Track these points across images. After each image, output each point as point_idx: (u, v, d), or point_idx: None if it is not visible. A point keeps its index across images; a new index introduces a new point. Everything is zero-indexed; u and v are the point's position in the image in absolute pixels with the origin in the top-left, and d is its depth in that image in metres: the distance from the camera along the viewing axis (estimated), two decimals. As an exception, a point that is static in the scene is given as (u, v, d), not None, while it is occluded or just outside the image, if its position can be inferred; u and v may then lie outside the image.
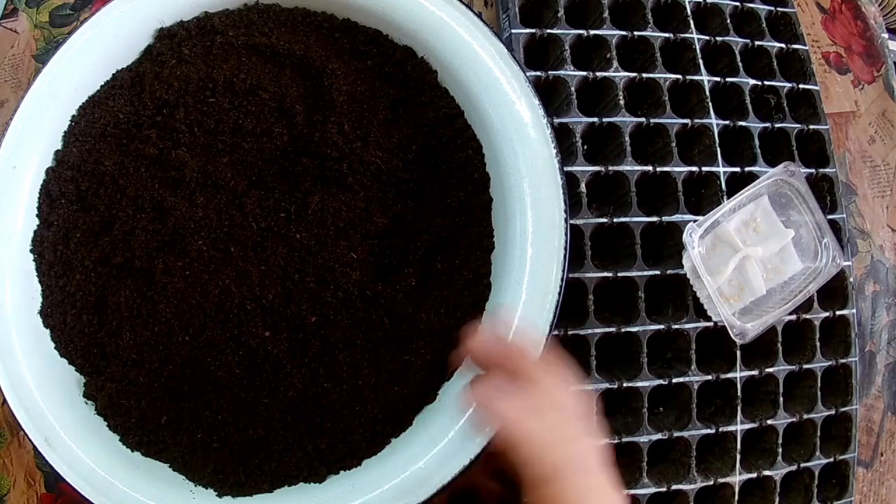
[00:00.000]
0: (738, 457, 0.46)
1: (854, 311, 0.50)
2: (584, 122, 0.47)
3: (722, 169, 0.49)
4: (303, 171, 0.41)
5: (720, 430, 0.46)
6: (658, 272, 0.46)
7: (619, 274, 0.45)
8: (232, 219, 0.40)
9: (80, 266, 0.40)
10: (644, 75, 0.49)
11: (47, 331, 0.39)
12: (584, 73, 0.48)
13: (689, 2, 0.52)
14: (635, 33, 0.50)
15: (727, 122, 0.50)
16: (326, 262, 0.40)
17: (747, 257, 0.45)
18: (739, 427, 0.46)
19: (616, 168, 0.47)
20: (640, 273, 0.46)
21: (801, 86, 0.52)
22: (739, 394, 0.47)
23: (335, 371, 0.39)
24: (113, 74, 0.42)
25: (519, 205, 0.40)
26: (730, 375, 0.47)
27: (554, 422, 0.32)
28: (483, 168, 0.42)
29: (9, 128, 0.39)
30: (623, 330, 0.45)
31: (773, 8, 0.54)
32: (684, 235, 0.44)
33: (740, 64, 0.51)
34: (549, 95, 0.50)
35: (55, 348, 0.39)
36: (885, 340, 0.54)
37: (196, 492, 0.38)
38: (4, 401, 0.38)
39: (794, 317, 0.48)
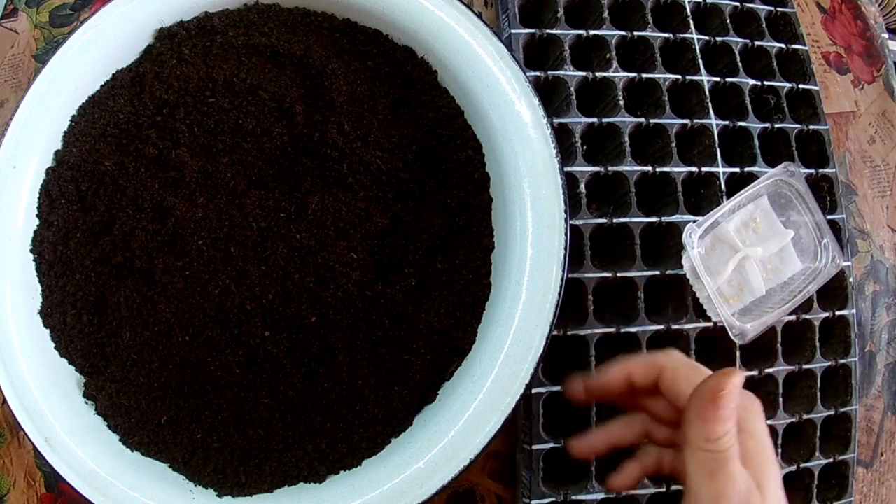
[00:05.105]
0: (738, 457, 0.46)
1: (854, 311, 0.50)
2: (584, 122, 0.47)
3: (721, 169, 0.49)
4: (303, 171, 0.41)
5: (720, 430, 0.46)
6: (657, 273, 0.46)
7: (619, 274, 0.45)
8: (232, 219, 0.40)
9: (80, 266, 0.40)
10: (644, 75, 0.49)
11: (47, 331, 0.39)
12: (584, 74, 0.48)
13: (689, 2, 0.52)
14: (635, 33, 0.50)
15: (727, 123, 0.50)
16: (326, 262, 0.40)
17: (747, 258, 0.45)
18: (739, 427, 0.46)
19: (615, 168, 0.47)
20: (639, 273, 0.46)
21: (801, 86, 0.52)
22: (739, 394, 0.47)
23: (335, 371, 0.39)
24: (113, 74, 0.42)
25: (519, 205, 0.40)
26: (729, 375, 0.46)
27: None
28: (483, 168, 0.42)
29: (9, 128, 0.39)
30: (623, 330, 0.45)
31: (773, 8, 0.54)
32: (684, 236, 0.44)
33: (740, 64, 0.51)
34: (549, 95, 0.50)
35: (55, 348, 0.39)
36: (885, 340, 0.54)
37: (196, 492, 0.38)
38: (4, 401, 0.38)
39: (793, 317, 0.48)
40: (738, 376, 0.31)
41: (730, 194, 0.48)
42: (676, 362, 0.35)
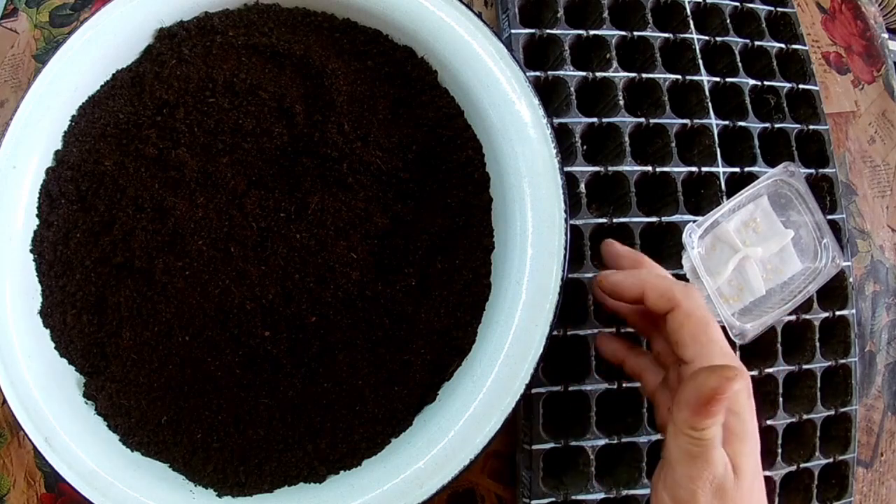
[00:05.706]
0: (738, 457, 0.46)
1: (854, 311, 0.50)
2: (584, 122, 0.47)
3: (721, 169, 0.49)
4: (303, 171, 0.41)
5: (720, 430, 0.46)
6: (658, 272, 0.46)
7: (619, 274, 0.45)
8: (232, 219, 0.40)
9: (80, 266, 0.40)
10: (644, 75, 0.49)
11: (47, 331, 0.39)
12: (584, 74, 0.48)
13: (689, 2, 0.52)
14: (635, 33, 0.50)
15: (727, 123, 0.50)
16: (326, 262, 0.40)
17: (747, 258, 0.45)
18: (739, 427, 0.46)
19: (615, 168, 0.47)
20: (639, 273, 0.46)
21: (801, 86, 0.52)
22: (739, 394, 0.47)
23: (335, 371, 0.39)
24: (113, 74, 0.42)
25: (519, 205, 0.40)
26: (729, 375, 0.46)
27: None
28: (483, 168, 0.42)
29: (9, 128, 0.39)
30: (623, 330, 0.45)
31: (773, 8, 0.54)
32: (683, 236, 0.44)
33: (740, 64, 0.51)
34: (549, 95, 0.50)
35: (55, 348, 0.39)
36: (885, 340, 0.54)
37: (196, 492, 0.38)
38: (4, 401, 0.38)
39: (793, 317, 0.48)
40: (740, 381, 0.29)
41: (730, 194, 0.48)
42: (692, 306, 0.33)
